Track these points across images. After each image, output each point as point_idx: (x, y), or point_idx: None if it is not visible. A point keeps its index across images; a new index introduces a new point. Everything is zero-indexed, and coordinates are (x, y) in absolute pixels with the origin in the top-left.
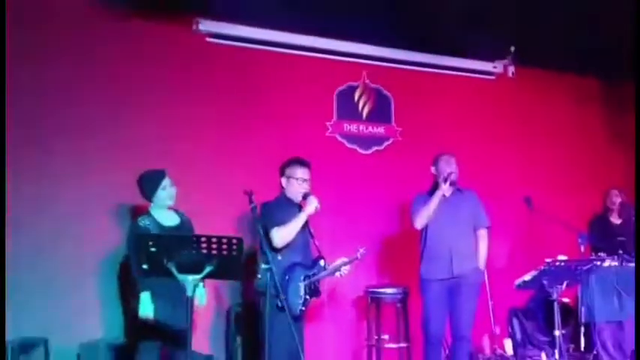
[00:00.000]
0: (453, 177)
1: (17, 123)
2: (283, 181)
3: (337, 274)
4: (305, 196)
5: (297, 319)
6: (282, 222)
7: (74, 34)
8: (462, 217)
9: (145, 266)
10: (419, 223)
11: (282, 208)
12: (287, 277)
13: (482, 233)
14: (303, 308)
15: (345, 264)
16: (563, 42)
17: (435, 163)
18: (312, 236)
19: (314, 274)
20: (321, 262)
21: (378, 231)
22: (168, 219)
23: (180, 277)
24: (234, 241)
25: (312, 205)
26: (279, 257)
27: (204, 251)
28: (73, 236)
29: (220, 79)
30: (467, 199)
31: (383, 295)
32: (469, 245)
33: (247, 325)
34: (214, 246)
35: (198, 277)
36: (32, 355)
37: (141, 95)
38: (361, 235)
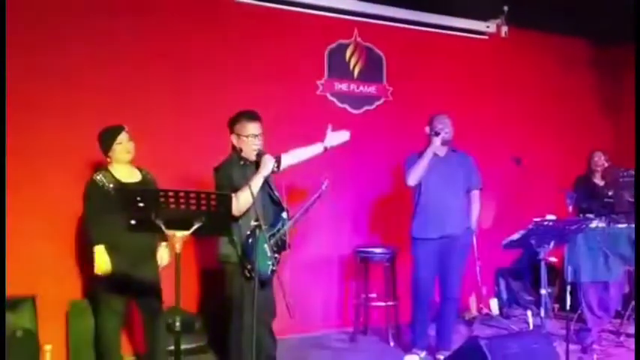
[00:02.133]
0: (445, 135)
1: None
2: (233, 139)
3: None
4: (259, 155)
5: (266, 282)
6: (240, 186)
7: None
8: (455, 177)
9: (132, 222)
10: (411, 180)
11: (237, 170)
12: (250, 242)
13: (475, 194)
14: (274, 268)
15: (311, 205)
16: (556, 2)
17: (429, 122)
18: (272, 189)
19: (279, 230)
20: (284, 215)
21: (369, 191)
22: (129, 175)
23: (169, 232)
24: (223, 196)
25: (269, 165)
26: (240, 222)
27: (193, 207)
28: (63, 191)
29: (207, 34)
30: (461, 160)
31: (371, 255)
32: (461, 206)
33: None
34: (203, 202)
35: (186, 233)
36: (20, 312)
37: (129, 49)
38: (351, 195)
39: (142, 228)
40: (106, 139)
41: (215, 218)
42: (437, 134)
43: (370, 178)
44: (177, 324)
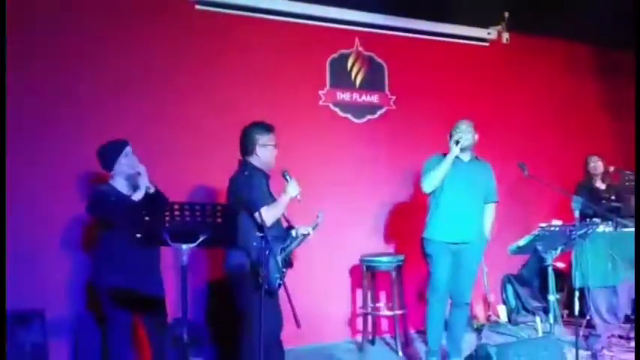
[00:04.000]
0: (464, 142)
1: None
2: (258, 149)
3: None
4: (284, 176)
5: (274, 293)
6: (261, 195)
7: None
8: (476, 185)
9: (138, 235)
10: (427, 186)
11: (257, 179)
12: (267, 253)
13: (491, 207)
14: (281, 282)
15: (311, 231)
16: (557, 8)
17: (450, 131)
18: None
19: (287, 246)
20: (292, 233)
21: (373, 199)
22: (130, 190)
23: (174, 245)
24: (227, 208)
25: (296, 191)
26: (252, 233)
27: (198, 219)
28: (68, 205)
29: (210, 47)
30: (483, 169)
31: (378, 264)
32: (479, 213)
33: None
34: (208, 214)
35: (192, 245)
36: (29, 327)
37: (129, 64)
38: (356, 203)
39: (148, 242)
40: (111, 152)
41: (220, 230)
42: (456, 143)
43: (374, 187)
44: (185, 336)
